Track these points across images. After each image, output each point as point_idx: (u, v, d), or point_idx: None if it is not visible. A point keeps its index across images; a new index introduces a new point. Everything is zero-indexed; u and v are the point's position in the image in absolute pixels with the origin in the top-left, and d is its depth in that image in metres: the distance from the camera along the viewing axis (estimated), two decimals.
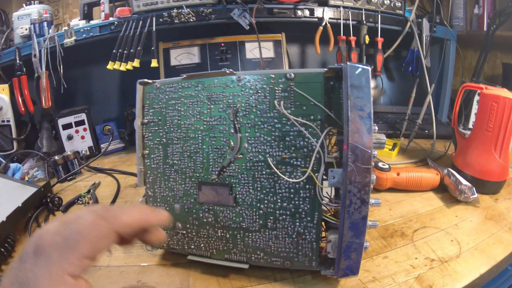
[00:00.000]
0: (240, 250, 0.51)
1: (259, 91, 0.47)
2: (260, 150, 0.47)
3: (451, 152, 0.88)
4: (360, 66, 0.42)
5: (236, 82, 0.49)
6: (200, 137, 0.50)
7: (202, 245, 0.53)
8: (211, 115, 0.50)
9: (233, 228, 0.50)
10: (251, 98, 0.48)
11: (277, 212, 0.48)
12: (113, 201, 0.78)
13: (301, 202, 0.47)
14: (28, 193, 0.69)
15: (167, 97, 0.52)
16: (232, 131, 0.48)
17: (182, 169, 0.52)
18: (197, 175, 0.51)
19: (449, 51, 1.30)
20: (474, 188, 0.71)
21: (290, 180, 0.46)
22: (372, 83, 1.39)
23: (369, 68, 0.43)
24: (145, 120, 0.53)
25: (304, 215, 0.47)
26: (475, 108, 1.08)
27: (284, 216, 0.48)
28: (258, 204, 0.48)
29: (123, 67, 1.06)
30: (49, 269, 0.27)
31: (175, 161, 0.52)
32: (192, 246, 0.53)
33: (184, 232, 0.53)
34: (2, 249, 0.56)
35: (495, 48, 1.36)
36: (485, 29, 1.28)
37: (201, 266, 0.54)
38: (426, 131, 1.12)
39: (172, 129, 0.52)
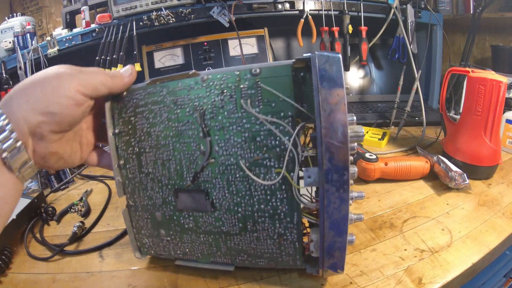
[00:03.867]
0: (224, 253, 0.50)
1: (225, 91, 0.45)
2: (231, 152, 0.45)
3: (442, 138, 0.87)
4: (330, 54, 0.40)
5: (201, 83, 0.46)
6: (170, 144, 0.48)
7: (188, 250, 0.52)
8: (178, 120, 0.47)
9: (214, 233, 0.49)
10: (217, 98, 0.45)
11: (256, 214, 0.46)
12: (105, 206, 0.78)
13: (279, 203, 0.45)
14: (22, 204, 0.70)
15: (134, 105, 0.50)
16: (201, 135, 0.46)
17: (157, 178, 0.50)
18: (173, 182, 0.49)
19: (435, 36, 1.29)
20: (465, 174, 0.70)
21: (264, 182, 0.44)
22: (361, 73, 1.38)
23: (340, 56, 0.40)
24: (116, 131, 0.51)
25: (283, 216, 0.45)
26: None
27: (263, 218, 0.46)
28: (236, 208, 0.47)
29: None
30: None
31: (150, 170, 0.50)
32: (178, 251, 0.52)
33: (168, 238, 0.52)
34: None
35: (483, 31, 1.36)
36: (471, 12, 1.27)
37: (189, 268, 0.53)
38: (416, 118, 1.11)
39: (143, 138, 0.50)
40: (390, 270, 0.51)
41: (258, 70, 0.43)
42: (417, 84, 1.04)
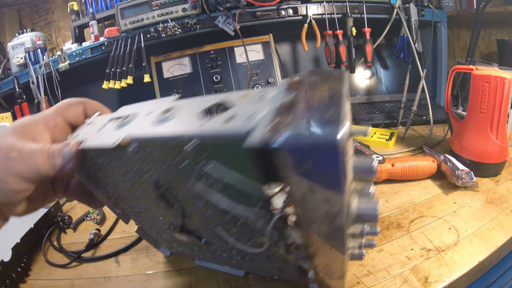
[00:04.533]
0: (234, 265, 0.52)
1: (167, 162, 0.33)
2: (204, 220, 0.39)
3: (449, 137, 0.87)
4: (318, 140, 0.23)
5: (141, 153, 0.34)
6: (146, 207, 0.44)
7: (206, 255, 0.52)
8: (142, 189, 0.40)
9: (218, 255, 0.49)
10: (162, 168, 0.34)
11: (250, 254, 0.42)
12: None
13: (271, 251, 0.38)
14: (39, 214, 0.71)
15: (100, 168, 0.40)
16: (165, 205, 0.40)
17: (151, 215, 0.46)
18: (165, 223, 0.45)
19: (440, 33, 1.29)
20: (472, 173, 0.70)
21: (248, 250, 0.39)
22: (367, 73, 1.39)
23: (339, 143, 0.22)
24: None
25: (277, 259, 0.41)
26: None
27: (259, 257, 0.43)
28: (229, 247, 0.43)
29: (117, 85, 1.09)
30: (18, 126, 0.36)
31: (140, 209, 0.46)
32: (196, 255, 0.54)
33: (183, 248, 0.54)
34: (19, 269, 0.58)
35: (488, 25, 1.35)
36: (475, 7, 1.26)
37: (202, 271, 0.55)
38: (424, 117, 1.10)
39: (117, 188, 0.43)
40: (396, 269, 0.52)
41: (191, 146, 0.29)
42: (422, 82, 1.04)
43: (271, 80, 1.20)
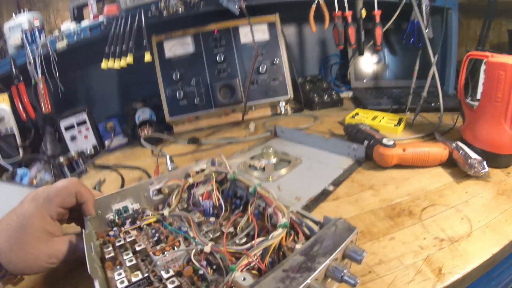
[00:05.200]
0: None
1: None
2: None
3: (460, 125, 0.84)
4: None
5: None
6: None
7: None
8: None
9: None
10: None
11: None
12: None
13: None
14: None
15: None
16: None
17: None
18: None
19: (451, 20, 1.25)
20: (484, 162, 0.68)
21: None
22: (374, 58, 1.36)
23: None
24: None
25: None
26: (482, 78, 1.04)
27: None
28: None
29: (117, 64, 1.05)
30: (38, 209, 0.48)
31: None
32: None
33: None
34: None
35: (499, 15, 1.31)
36: None
37: None
38: (432, 104, 1.07)
39: None
40: (409, 259, 0.49)
41: None
42: (433, 69, 1.00)
43: (276, 61, 1.17)
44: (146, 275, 0.44)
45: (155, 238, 0.52)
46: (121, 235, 0.54)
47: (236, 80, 1.16)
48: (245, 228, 0.52)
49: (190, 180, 0.61)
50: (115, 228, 0.55)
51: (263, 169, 0.81)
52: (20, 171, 0.92)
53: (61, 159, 0.96)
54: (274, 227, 0.47)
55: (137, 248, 0.49)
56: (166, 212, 0.57)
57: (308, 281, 0.32)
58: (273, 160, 0.83)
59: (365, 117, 1.02)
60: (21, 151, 1.07)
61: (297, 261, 0.35)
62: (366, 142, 0.80)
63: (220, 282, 0.42)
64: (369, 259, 0.50)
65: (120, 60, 1.05)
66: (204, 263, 0.44)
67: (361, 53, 1.16)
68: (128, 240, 0.52)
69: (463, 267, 0.48)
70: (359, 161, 0.80)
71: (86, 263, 0.40)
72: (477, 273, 0.50)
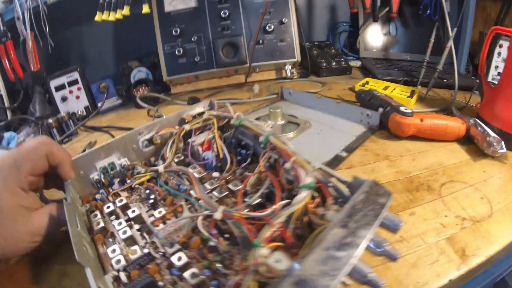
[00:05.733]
0: None
1: None
2: None
3: (477, 103, 0.79)
4: None
5: None
6: None
7: None
8: None
9: None
10: None
11: None
12: None
13: None
14: None
15: None
16: None
17: None
18: None
19: None
20: (503, 142, 0.63)
21: None
22: (385, 28, 1.29)
23: None
24: None
25: None
26: (495, 60, 0.98)
27: None
28: None
29: (112, 16, 0.98)
30: (6, 183, 0.40)
31: None
32: None
33: None
34: None
35: None
36: None
37: None
38: (444, 80, 1.02)
39: None
40: (431, 237, 0.45)
41: None
42: (451, 42, 0.94)
43: (285, 20, 1.09)
44: (146, 251, 0.38)
45: (150, 201, 0.45)
46: (110, 198, 0.47)
47: (241, 39, 1.08)
48: (255, 186, 0.44)
49: (187, 127, 0.54)
50: (102, 190, 0.49)
51: None
52: (7, 134, 0.85)
53: (50, 120, 0.89)
54: (290, 185, 0.40)
55: (131, 215, 0.43)
56: (161, 168, 0.49)
57: (354, 261, 0.25)
58: (281, 121, 0.77)
59: (376, 86, 0.97)
60: (9, 113, 1.01)
61: (338, 235, 0.28)
62: (381, 109, 0.74)
63: (234, 254, 0.35)
64: (389, 235, 0.45)
65: (116, 12, 0.97)
66: (215, 231, 0.37)
67: (375, 19, 1.09)
68: (119, 204, 0.45)
69: (486, 249, 0.44)
70: (372, 129, 0.75)
71: (72, 244, 0.33)
72: (498, 257, 0.46)
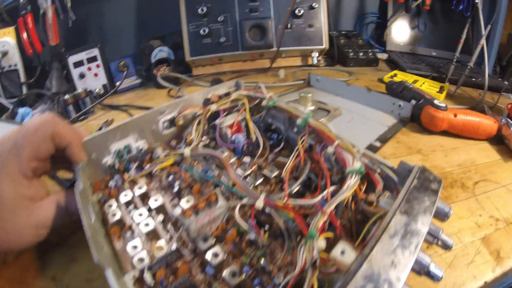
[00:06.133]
0: None
1: None
2: None
3: (507, 104, 0.77)
4: None
5: None
6: None
7: None
8: None
9: None
10: None
11: None
12: None
13: None
14: None
15: None
16: None
17: None
18: None
19: None
20: None
21: None
22: (414, 22, 1.26)
23: None
24: None
25: None
26: None
27: None
28: None
29: None
30: (4, 170, 0.34)
31: None
32: None
33: None
34: None
35: None
36: None
37: None
38: (473, 79, 1.00)
39: None
40: (467, 236, 0.44)
41: None
42: (484, 39, 0.91)
43: (315, 5, 1.07)
44: (174, 246, 0.33)
45: (175, 189, 0.40)
46: (126, 185, 0.41)
47: (269, 21, 1.06)
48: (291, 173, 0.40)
49: (213, 107, 0.48)
50: (116, 176, 0.42)
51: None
52: (21, 110, 0.82)
53: (66, 96, 0.85)
54: (332, 171, 0.37)
55: (153, 205, 0.38)
56: (187, 150, 0.43)
57: (419, 248, 0.24)
58: (311, 107, 0.75)
59: (404, 80, 0.94)
60: (24, 89, 0.98)
61: (401, 222, 0.26)
62: (413, 101, 0.73)
63: (274, 248, 0.32)
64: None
65: None
66: (254, 221, 0.33)
67: (408, 11, 1.06)
68: (138, 193, 0.40)
69: None
70: (403, 121, 0.73)
71: (88, 240, 0.28)
72: None
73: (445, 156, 0.62)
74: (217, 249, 0.32)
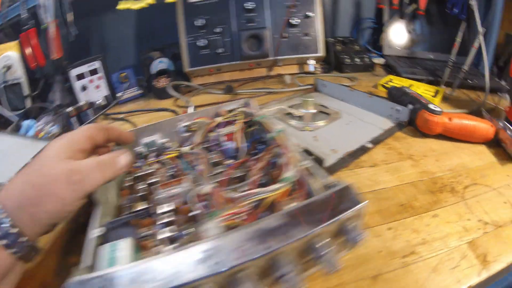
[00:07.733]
0: None
1: None
2: None
3: (506, 106, 0.77)
4: None
5: None
6: None
7: None
8: None
9: None
10: None
11: None
12: None
13: None
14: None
15: None
16: None
17: None
18: None
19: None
20: None
21: None
22: (410, 26, 1.26)
23: None
24: None
25: None
26: None
27: None
28: None
29: (136, 5, 0.97)
30: (58, 153, 0.38)
31: None
32: None
33: None
34: None
35: None
36: None
37: None
38: (469, 81, 1.00)
39: None
40: (454, 241, 0.45)
41: None
42: (479, 41, 0.92)
43: (310, 14, 1.08)
44: (146, 206, 0.44)
45: (171, 173, 0.52)
46: (144, 167, 0.53)
47: (265, 31, 1.08)
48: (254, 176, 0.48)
49: (218, 119, 0.59)
50: (142, 159, 0.55)
51: (301, 118, 0.79)
52: (25, 122, 0.85)
53: (69, 109, 0.88)
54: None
55: (150, 181, 0.49)
56: (186, 149, 0.55)
57: (278, 248, 0.29)
58: (312, 110, 0.80)
59: (400, 84, 0.96)
60: (28, 101, 1.01)
61: (277, 222, 0.31)
62: (410, 106, 0.74)
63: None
64: (411, 237, 0.45)
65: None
66: (203, 204, 0.42)
67: (402, 16, 1.07)
68: (146, 172, 0.52)
69: (508, 255, 0.43)
70: (401, 125, 0.76)
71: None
72: None
73: (436, 160, 0.63)
74: (170, 215, 0.42)
